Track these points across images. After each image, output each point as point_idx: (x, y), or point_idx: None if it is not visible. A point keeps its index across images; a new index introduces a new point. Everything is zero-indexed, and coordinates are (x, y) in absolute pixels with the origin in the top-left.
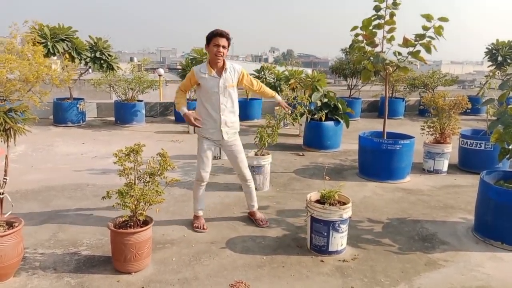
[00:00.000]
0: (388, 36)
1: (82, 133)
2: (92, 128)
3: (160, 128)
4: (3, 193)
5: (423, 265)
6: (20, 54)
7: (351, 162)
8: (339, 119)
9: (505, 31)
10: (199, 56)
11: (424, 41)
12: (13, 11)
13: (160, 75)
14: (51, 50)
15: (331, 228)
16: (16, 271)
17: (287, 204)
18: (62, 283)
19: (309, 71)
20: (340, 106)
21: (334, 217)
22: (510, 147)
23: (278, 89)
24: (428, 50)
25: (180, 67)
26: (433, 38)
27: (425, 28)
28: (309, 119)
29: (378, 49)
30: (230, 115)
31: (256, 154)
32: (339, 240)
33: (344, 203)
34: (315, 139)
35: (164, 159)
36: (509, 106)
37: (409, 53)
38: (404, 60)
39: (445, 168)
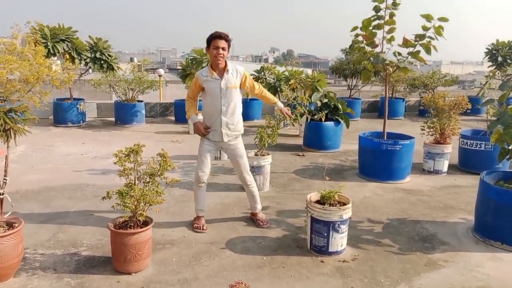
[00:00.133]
0: (388, 36)
1: (82, 134)
2: (92, 128)
3: (160, 129)
4: (3, 194)
5: (423, 266)
6: (21, 55)
7: (351, 162)
8: (339, 120)
9: (505, 31)
10: (199, 57)
11: (424, 41)
12: (13, 11)
13: (160, 76)
14: (51, 51)
15: (331, 228)
16: (16, 272)
17: (287, 204)
18: (62, 284)
19: (309, 71)
20: (340, 106)
21: (334, 218)
22: (510, 147)
23: (278, 89)
24: (428, 50)
25: (180, 67)
26: (433, 39)
27: (425, 29)
28: (309, 120)
29: (378, 49)
30: (231, 117)
31: (256, 155)
32: (339, 241)
33: (344, 204)
34: (315, 139)
35: (164, 159)
36: (509, 107)
37: (409, 53)
38: (404, 61)
39: (445, 169)
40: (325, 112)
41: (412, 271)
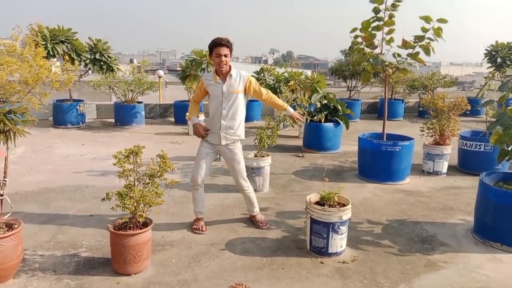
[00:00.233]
0: (387, 37)
1: (81, 135)
2: (91, 129)
3: (159, 130)
4: (2, 195)
5: (423, 267)
6: (21, 57)
7: (351, 163)
8: (339, 121)
9: (505, 31)
10: (198, 58)
11: (423, 42)
12: (13, 11)
13: (160, 77)
14: (51, 52)
15: (330, 229)
16: (15, 273)
17: (287, 205)
18: (61, 285)
19: (308, 72)
20: (339, 107)
21: (333, 219)
22: (509, 148)
23: (278, 90)
24: (427, 51)
25: (180, 68)
26: (432, 40)
27: (424, 30)
28: (308, 121)
29: (377, 50)
30: (231, 121)
31: (255, 156)
32: (339, 242)
33: (344, 205)
34: (314, 140)
35: (163, 160)
36: (508, 108)
37: (408, 54)
38: (403, 62)
39: (445, 170)
40: (325, 113)
41: (412, 272)
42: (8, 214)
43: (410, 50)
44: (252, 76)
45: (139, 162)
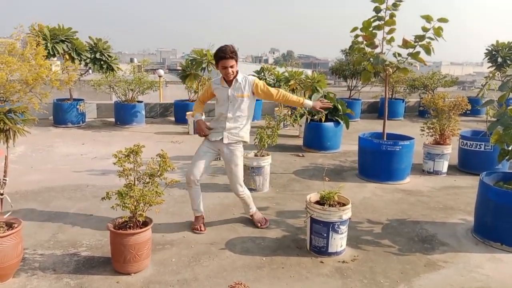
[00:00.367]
0: (388, 37)
1: (82, 134)
2: (92, 129)
3: (160, 129)
4: (2, 194)
5: (423, 266)
6: (21, 56)
7: (351, 163)
8: (339, 120)
9: (505, 31)
10: (199, 57)
11: (424, 42)
12: (13, 11)
13: (160, 76)
14: (51, 51)
15: (330, 229)
16: (15, 272)
17: (287, 205)
18: (61, 284)
19: (309, 72)
20: (340, 107)
21: (333, 218)
22: (509, 148)
23: None
24: (428, 51)
25: (180, 68)
26: (432, 39)
27: (425, 29)
28: (309, 120)
29: (378, 50)
30: (235, 123)
31: (255, 155)
32: (339, 241)
33: (344, 204)
34: (315, 140)
35: (163, 160)
36: (508, 107)
37: (408, 54)
38: (404, 61)
39: (445, 169)
40: (325, 112)
41: (412, 271)
42: (8, 213)
43: (410, 50)
44: (252, 75)
45: (139, 162)
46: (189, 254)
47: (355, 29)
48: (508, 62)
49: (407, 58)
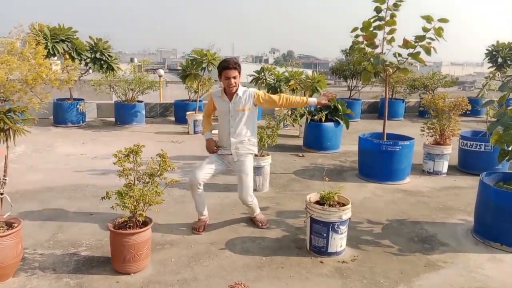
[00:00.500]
0: (389, 37)
1: (82, 134)
2: (92, 128)
3: (160, 129)
4: (2, 194)
5: (423, 267)
6: (21, 55)
7: (351, 163)
8: (339, 120)
9: (505, 31)
10: (199, 57)
11: (424, 42)
12: (13, 11)
13: (160, 76)
14: (51, 51)
15: (330, 229)
16: (15, 272)
17: (287, 205)
18: (61, 284)
19: (309, 72)
20: (340, 107)
21: (333, 218)
22: (509, 148)
23: (278, 90)
24: (428, 51)
25: (180, 68)
26: (433, 40)
27: (425, 30)
28: (309, 120)
29: (378, 50)
30: (239, 137)
31: (256, 155)
32: (339, 241)
33: (344, 204)
34: (315, 140)
35: (163, 159)
36: (509, 108)
37: (409, 54)
38: (404, 62)
39: (445, 170)
40: (325, 112)
41: (412, 272)
42: (8, 213)
43: (411, 50)
44: (252, 75)
45: (139, 161)
46: (189, 254)
47: (355, 29)
48: (509, 62)
49: (407, 58)
